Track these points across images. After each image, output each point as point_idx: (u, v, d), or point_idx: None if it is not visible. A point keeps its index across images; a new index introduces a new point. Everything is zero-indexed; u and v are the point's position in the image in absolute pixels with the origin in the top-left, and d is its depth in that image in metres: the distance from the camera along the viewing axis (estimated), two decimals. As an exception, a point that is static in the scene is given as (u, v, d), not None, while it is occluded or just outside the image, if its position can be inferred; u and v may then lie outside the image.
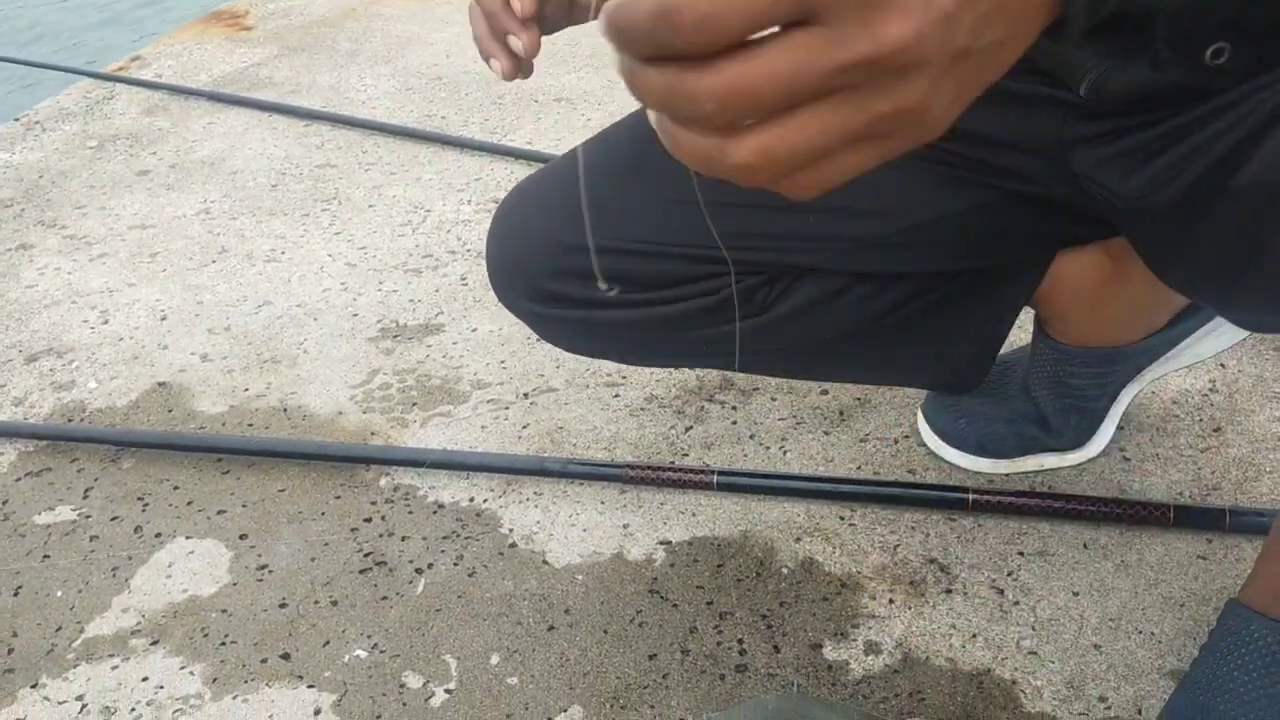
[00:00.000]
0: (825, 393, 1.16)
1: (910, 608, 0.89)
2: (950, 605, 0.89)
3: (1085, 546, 0.93)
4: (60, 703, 0.88)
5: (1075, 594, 0.89)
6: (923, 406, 1.08)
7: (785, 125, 0.34)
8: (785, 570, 0.94)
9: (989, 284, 0.87)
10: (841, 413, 1.13)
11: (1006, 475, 1.02)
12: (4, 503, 1.10)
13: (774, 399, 1.15)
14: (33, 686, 0.89)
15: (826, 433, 1.10)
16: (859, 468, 1.05)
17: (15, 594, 0.99)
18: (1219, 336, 0.95)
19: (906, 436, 1.08)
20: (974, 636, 0.86)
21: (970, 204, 0.76)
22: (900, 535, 0.96)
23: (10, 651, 0.93)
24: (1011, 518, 0.96)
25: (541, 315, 0.86)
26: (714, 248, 0.76)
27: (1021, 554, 0.93)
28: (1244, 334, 0.97)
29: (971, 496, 0.96)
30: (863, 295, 0.81)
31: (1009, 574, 0.91)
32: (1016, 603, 0.89)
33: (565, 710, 0.84)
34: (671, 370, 1.22)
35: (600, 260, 0.78)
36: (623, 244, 0.78)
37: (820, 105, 0.34)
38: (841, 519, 0.99)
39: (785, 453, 1.08)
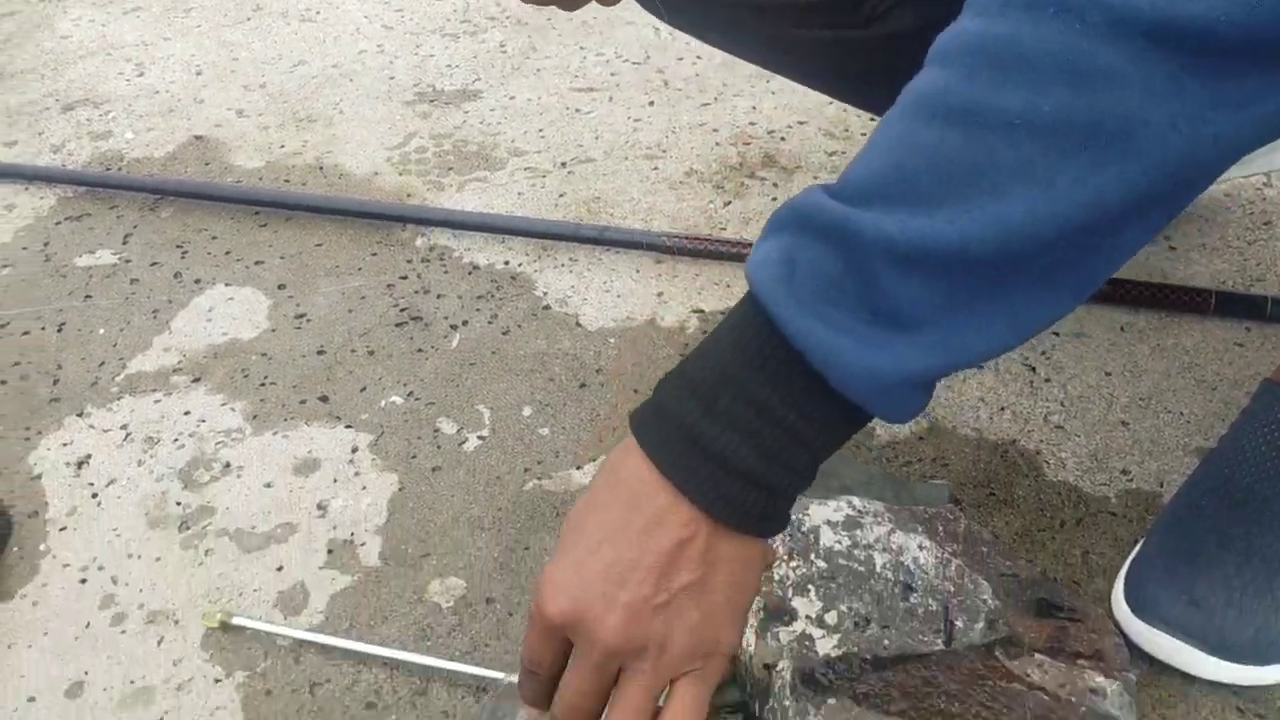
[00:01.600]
0: (869, 173, 1.13)
1: (941, 381, 0.89)
2: (980, 380, 0.89)
3: (1122, 329, 0.92)
4: (105, 431, 0.91)
5: (1107, 374, 0.89)
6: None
7: (615, 708, 0.51)
8: (817, 341, 0.94)
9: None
10: (884, 193, 1.11)
11: (1048, 260, 1.00)
12: (45, 244, 1.11)
13: (816, 177, 1.13)
14: (79, 415, 0.92)
15: (867, 212, 1.08)
16: (898, 247, 1.04)
17: (59, 330, 1.01)
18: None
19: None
20: (1002, 409, 0.87)
21: None
22: (935, 312, 0.96)
23: (56, 383, 0.95)
24: (1050, 300, 0.95)
25: None
26: None
27: (1056, 334, 0.93)
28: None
29: (1011, 277, 0.95)
30: None
31: (1042, 353, 0.91)
32: (1048, 380, 0.89)
33: (594, 460, 0.86)
34: (713, 144, 1.19)
35: None
36: None
37: (620, 688, 0.51)
38: (877, 295, 0.98)
39: (824, 229, 1.07)
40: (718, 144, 1.20)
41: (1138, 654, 0.68)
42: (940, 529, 0.73)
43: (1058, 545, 0.76)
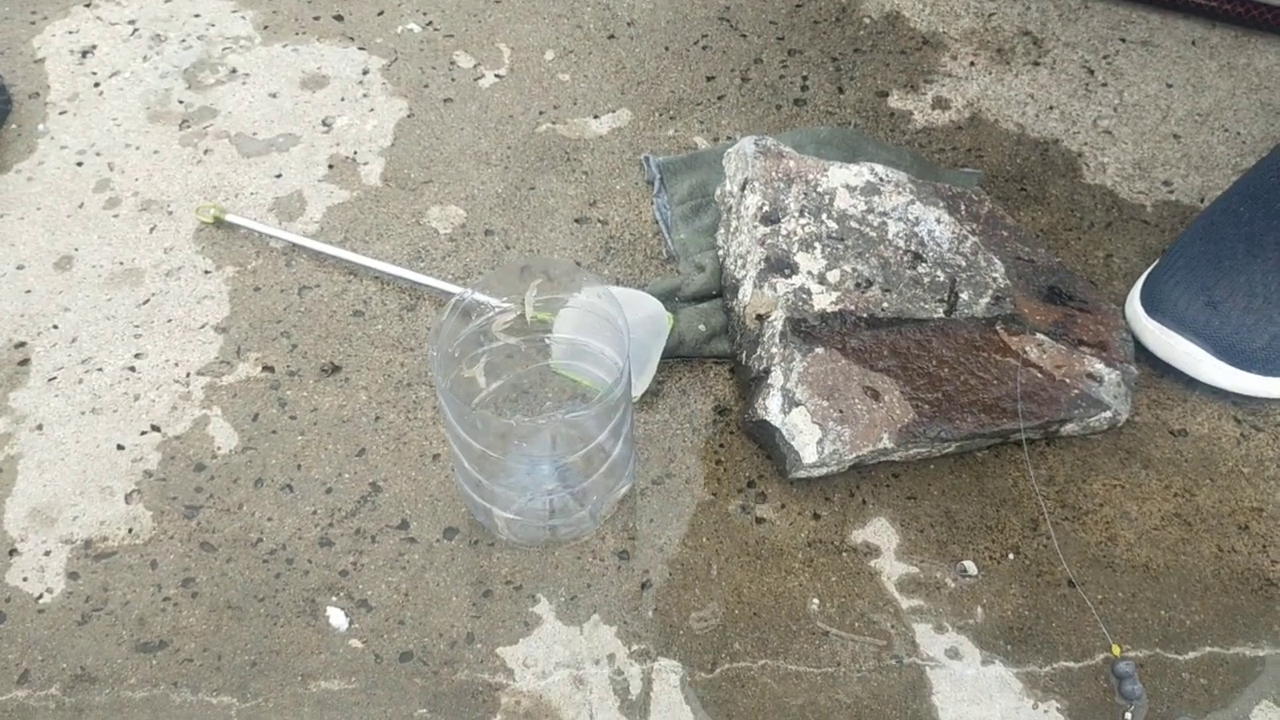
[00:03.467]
0: None
1: (991, 73, 0.84)
2: (1034, 77, 0.84)
3: (1193, 43, 0.86)
4: (112, 24, 0.87)
5: (1169, 85, 0.83)
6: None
7: None
8: (868, 20, 0.88)
9: None
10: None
11: (1130, -35, 0.92)
12: None
13: None
14: (86, 5, 0.88)
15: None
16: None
17: (70, -82, 0.95)
18: None
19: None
20: (1050, 108, 0.81)
21: None
22: (999, 3, 0.89)
23: (64, -30, 0.91)
24: (1123, 4, 0.88)
25: None
26: None
27: (1124, 40, 0.86)
28: None
29: (1087, -26, 0.87)
30: None
31: (1104, 57, 0.85)
32: (1105, 84, 0.83)
33: (613, 111, 0.82)
34: None
35: None
36: None
37: None
38: (939, -20, 0.91)
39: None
40: None
41: (1144, 355, 0.66)
42: (963, 208, 0.69)
43: (1082, 245, 0.73)
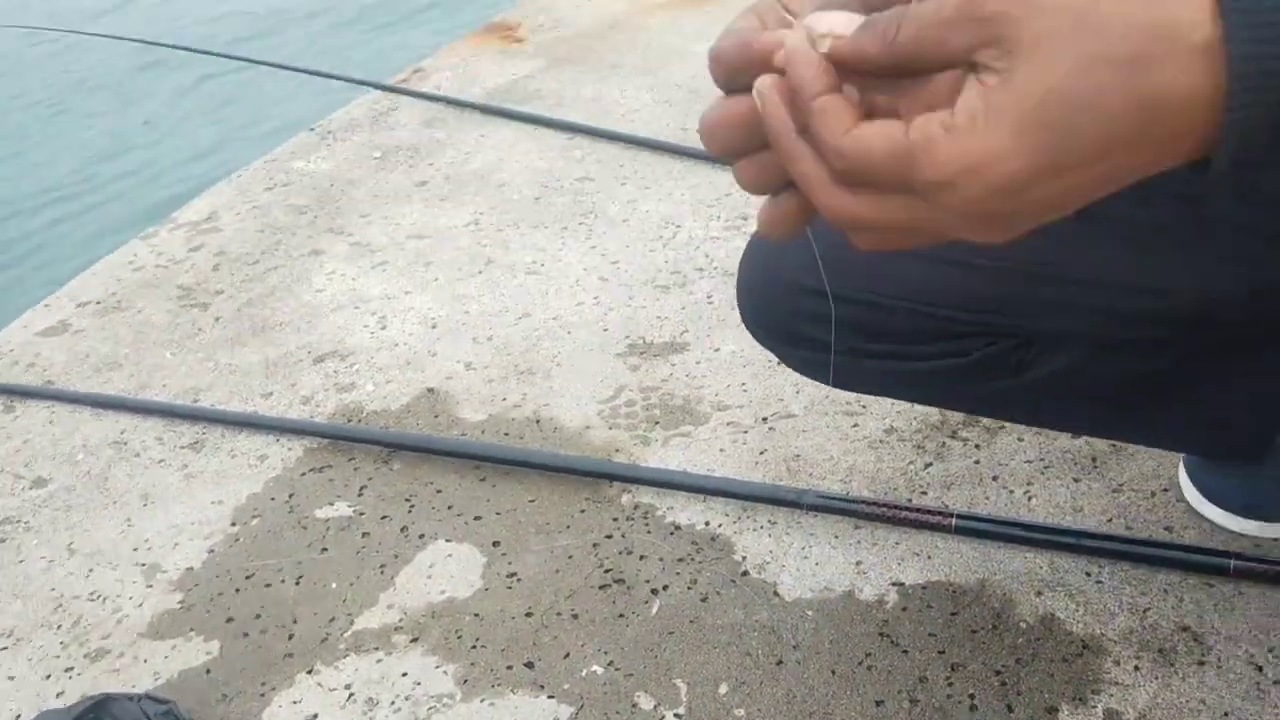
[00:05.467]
0: (1077, 436, 1.11)
1: (1157, 678, 0.85)
2: (1201, 679, 0.84)
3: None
4: (331, 690, 0.97)
5: (1347, 676, 0.82)
6: (1185, 458, 1.02)
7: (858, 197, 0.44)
8: (1024, 625, 0.92)
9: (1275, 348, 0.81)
10: (1094, 459, 1.08)
11: (1276, 540, 0.95)
12: (290, 495, 1.22)
13: (1021, 439, 1.12)
14: (309, 672, 0.99)
15: (1076, 479, 1.06)
16: (1110, 520, 1.01)
17: (297, 583, 1.10)
18: None
19: (1165, 489, 1.03)
20: (1226, 715, 0.81)
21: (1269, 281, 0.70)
22: (1151, 598, 0.92)
23: (291, 638, 1.03)
24: (1278, 589, 0.90)
25: (785, 354, 0.88)
26: (964, 308, 0.75)
27: (1287, 630, 0.87)
28: None
29: (1233, 563, 0.90)
30: (1125, 362, 0.78)
31: (1270, 650, 0.85)
32: (1277, 682, 0.83)
33: (789, 747, 0.85)
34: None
35: (845, 309, 0.79)
36: (869, 296, 0.78)
37: (886, 198, 0.43)
38: (1088, 575, 0.95)
39: (1030, 498, 1.05)
40: (920, 399, 1.20)
41: None
42: None
43: None
